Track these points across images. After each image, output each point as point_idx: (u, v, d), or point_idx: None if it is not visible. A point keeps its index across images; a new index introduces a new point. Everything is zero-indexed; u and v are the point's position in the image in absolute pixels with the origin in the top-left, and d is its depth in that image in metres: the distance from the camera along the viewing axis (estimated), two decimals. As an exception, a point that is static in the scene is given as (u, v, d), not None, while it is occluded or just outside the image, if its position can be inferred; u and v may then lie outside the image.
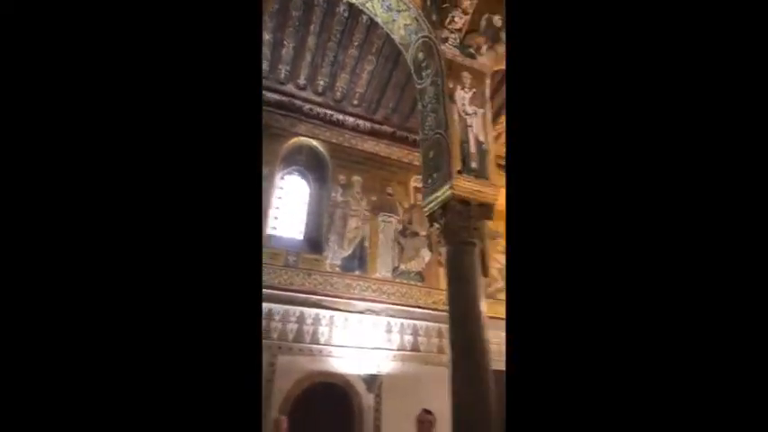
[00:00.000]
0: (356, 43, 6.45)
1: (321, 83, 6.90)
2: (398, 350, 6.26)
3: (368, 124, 7.49)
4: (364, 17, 5.91)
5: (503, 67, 5.54)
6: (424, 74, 4.63)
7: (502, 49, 4.95)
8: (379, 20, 5.04)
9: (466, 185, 3.88)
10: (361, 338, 6.09)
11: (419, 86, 4.68)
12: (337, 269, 6.43)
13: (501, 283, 7.45)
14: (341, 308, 6.15)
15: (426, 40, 4.64)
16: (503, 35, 4.99)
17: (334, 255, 6.50)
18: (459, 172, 3.90)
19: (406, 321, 6.45)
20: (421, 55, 4.70)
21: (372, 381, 5.94)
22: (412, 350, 6.33)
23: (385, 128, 7.60)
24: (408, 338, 6.38)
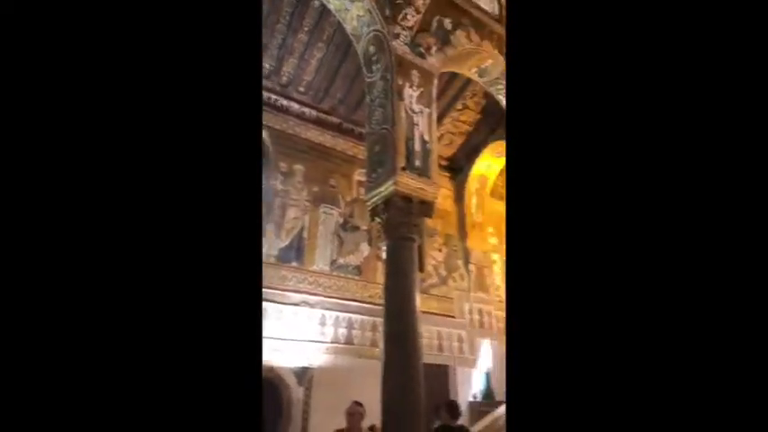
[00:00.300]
0: (306, 28, 6.27)
1: (267, 65, 6.61)
2: (332, 343, 6.24)
3: (313, 113, 7.33)
4: (316, 2, 5.76)
5: (450, 69, 5.70)
6: (374, 68, 4.62)
7: (451, 51, 5.08)
8: (331, 7, 4.94)
9: (409, 182, 3.94)
10: (294, 331, 5.97)
11: (368, 80, 4.66)
12: (273, 260, 6.24)
13: (435, 279, 7.70)
14: (275, 299, 5.98)
15: (378, 34, 4.63)
16: (452, 38, 5.12)
17: (271, 245, 6.30)
18: (404, 169, 3.95)
19: (341, 314, 6.44)
20: (372, 48, 4.68)
21: (303, 374, 5.86)
22: (345, 343, 6.34)
23: (331, 118, 7.49)
24: (342, 331, 6.38)
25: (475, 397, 7.08)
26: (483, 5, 5.77)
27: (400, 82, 4.36)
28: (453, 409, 3.83)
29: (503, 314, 8.22)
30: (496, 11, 5.98)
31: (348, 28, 4.96)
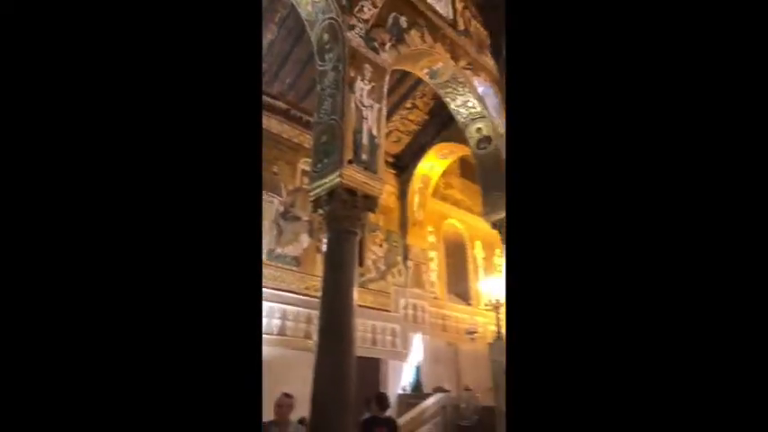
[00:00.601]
0: (258, 6, 6.00)
1: (212, 40, 6.24)
2: (265, 334, 6.08)
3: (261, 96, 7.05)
4: (270, -19, 5.53)
5: (402, 67, 5.76)
6: (326, 56, 4.54)
7: (404, 49, 5.13)
8: (286, -12, 4.77)
9: (355, 176, 3.94)
10: (224, 321, 5.74)
11: (320, 68, 4.57)
12: (206, 245, 5.93)
13: (373, 274, 7.79)
14: (205, 287, 5.69)
15: (333, 22, 4.55)
16: (407, 37, 5.17)
17: (205, 230, 5.98)
18: (350, 162, 3.94)
19: (276, 305, 6.29)
20: (326, 36, 4.59)
21: (232, 365, 5.66)
22: (278, 335, 6.21)
23: (279, 104, 7.25)
24: (276, 323, 6.24)
25: (404, 389, 7.28)
26: (439, 9, 5.89)
27: (352, 74, 4.32)
28: (382, 401, 3.91)
29: (435, 310, 8.52)
30: (451, 15, 6.13)
31: (302, 12, 4.82)
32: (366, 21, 4.68)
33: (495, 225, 6.05)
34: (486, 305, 6.87)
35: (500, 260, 8.66)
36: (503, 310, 6.05)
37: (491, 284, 6.54)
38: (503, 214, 5.92)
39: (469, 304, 9.23)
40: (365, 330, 7.08)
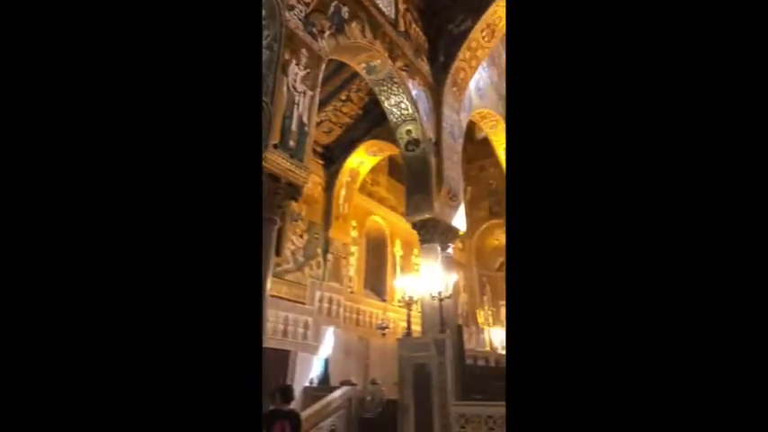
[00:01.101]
0: (189, -34, 5.51)
1: None
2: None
3: (183, 64, 6.48)
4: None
5: (340, 58, 5.68)
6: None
7: (344, 40, 5.07)
8: (223, -48, 4.44)
9: (279, 161, 3.80)
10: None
11: (253, 44, 4.33)
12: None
13: (291, 265, 7.61)
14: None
15: (272, -1, 4.34)
16: (347, 28, 5.11)
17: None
18: (275, 146, 3.79)
19: (180, 290, 5.85)
20: (262, 12, 4.36)
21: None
22: (180, 322, 5.79)
23: (203, 75, 6.74)
24: (179, 309, 5.81)
25: (311, 382, 7.22)
26: (382, 6, 5.91)
27: (287, 56, 4.16)
28: (287, 393, 3.84)
29: (351, 304, 8.58)
30: (393, 15, 6.19)
31: (239, -18, 4.52)
32: (307, 4, 4.54)
33: (415, 225, 6.24)
34: (399, 302, 7.08)
35: (417, 259, 8.98)
36: (415, 307, 6.28)
37: (406, 282, 6.75)
38: (424, 216, 6.13)
39: (384, 300, 9.44)
40: (277, 321, 6.89)
